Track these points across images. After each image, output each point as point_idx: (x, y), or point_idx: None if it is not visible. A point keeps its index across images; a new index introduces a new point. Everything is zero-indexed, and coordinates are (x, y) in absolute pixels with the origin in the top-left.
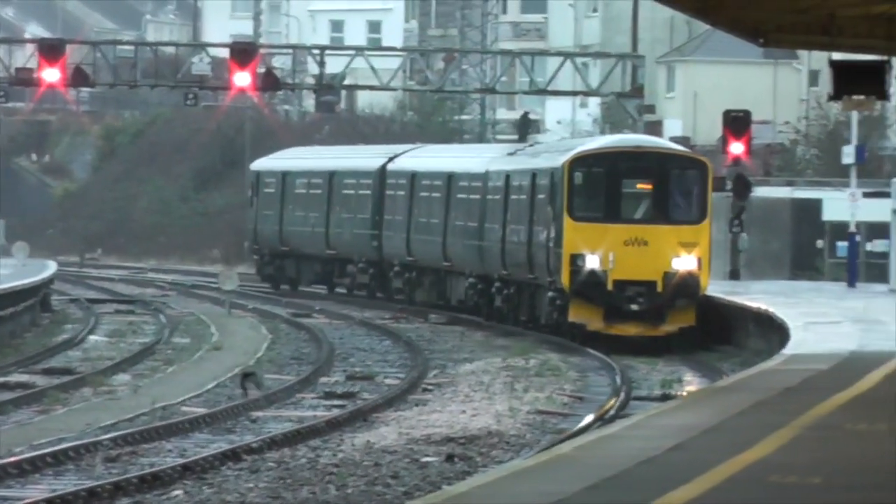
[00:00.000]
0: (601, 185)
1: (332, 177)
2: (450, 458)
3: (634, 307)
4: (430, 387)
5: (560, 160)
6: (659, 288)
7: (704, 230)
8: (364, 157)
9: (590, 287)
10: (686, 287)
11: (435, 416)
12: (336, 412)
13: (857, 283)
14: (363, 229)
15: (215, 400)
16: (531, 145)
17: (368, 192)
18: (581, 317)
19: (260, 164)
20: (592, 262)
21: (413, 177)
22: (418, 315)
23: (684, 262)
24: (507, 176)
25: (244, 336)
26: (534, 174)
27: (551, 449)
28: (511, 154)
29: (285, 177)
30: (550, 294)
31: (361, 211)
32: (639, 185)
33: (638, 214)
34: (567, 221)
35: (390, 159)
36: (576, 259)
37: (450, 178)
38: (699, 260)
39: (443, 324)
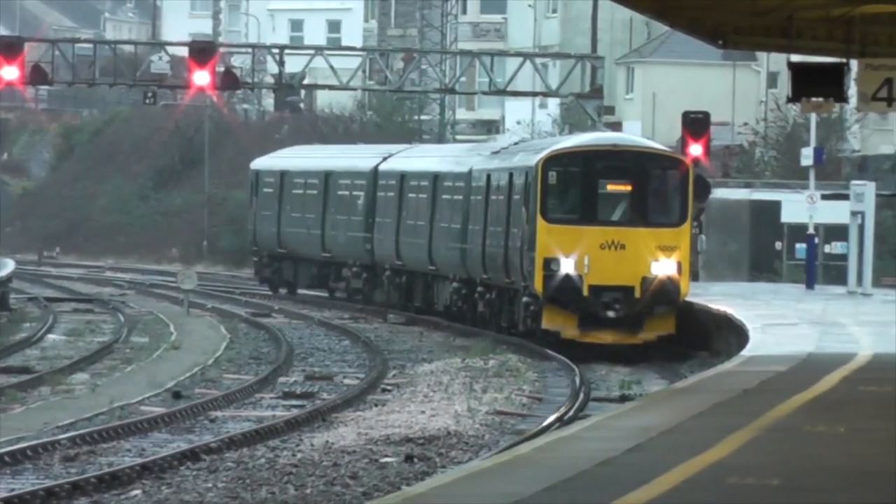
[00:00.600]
0: (576, 186)
1: (327, 177)
2: (409, 458)
3: (611, 314)
4: (389, 387)
5: (534, 159)
6: (637, 294)
7: (685, 233)
8: (358, 158)
9: (564, 292)
10: (665, 293)
11: (394, 416)
12: (295, 412)
13: (815, 285)
14: (356, 232)
15: (174, 399)
16: (515, 143)
17: (362, 193)
18: (555, 324)
19: (259, 162)
20: (567, 266)
21: (402, 178)
22: (377, 315)
23: (663, 267)
24: (488, 176)
25: (203, 335)
26: (510, 174)
27: (510, 450)
28: (495, 153)
29: (283, 176)
30: (525, 299)
31: (355, 213)
32: (616, 186)
33: (615, 216)
34: (540, 223)
35: (384, 159)
36: (549, 263)
37: (435, 179)
38: (679, 264)
39: (401, 324)
